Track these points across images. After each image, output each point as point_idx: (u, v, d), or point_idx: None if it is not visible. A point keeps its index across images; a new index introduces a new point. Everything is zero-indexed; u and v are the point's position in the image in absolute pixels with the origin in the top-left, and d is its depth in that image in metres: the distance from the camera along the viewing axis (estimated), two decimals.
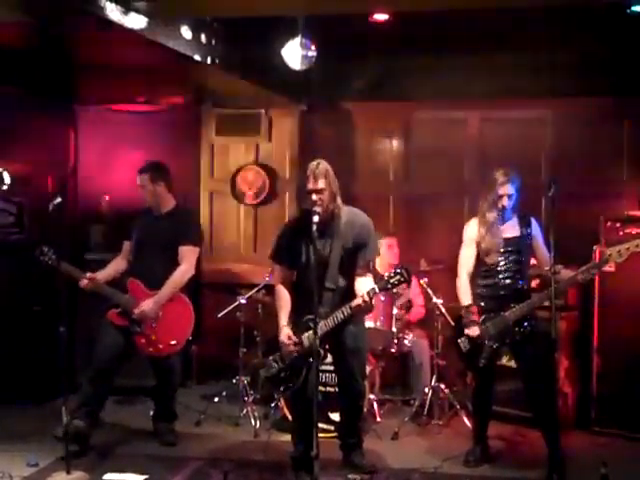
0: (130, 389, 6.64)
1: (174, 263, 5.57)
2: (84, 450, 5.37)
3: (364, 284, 4.83)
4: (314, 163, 4.84)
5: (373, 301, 4.80)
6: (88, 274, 5.54)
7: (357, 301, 4.70)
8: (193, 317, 5.64)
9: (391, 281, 4.64)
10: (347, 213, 4.94)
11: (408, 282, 4.77)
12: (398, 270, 4.65)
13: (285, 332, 4.89)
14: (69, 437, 4.96)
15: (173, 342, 5.56)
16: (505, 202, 5.10)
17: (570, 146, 7.04)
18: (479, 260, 5.22)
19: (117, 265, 5.79)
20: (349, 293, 4.83)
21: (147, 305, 5.48)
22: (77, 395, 5.50)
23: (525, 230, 5.17)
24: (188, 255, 5.62)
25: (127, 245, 5.79)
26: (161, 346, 5.54)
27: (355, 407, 5.17)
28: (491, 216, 5.15)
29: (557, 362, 5.34)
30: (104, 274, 5.68)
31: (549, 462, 4.95)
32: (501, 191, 5.09)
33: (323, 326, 4.72)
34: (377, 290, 4.69)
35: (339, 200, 4.89)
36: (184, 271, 5.58)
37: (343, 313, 4.76)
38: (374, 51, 7.07)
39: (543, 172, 6.99)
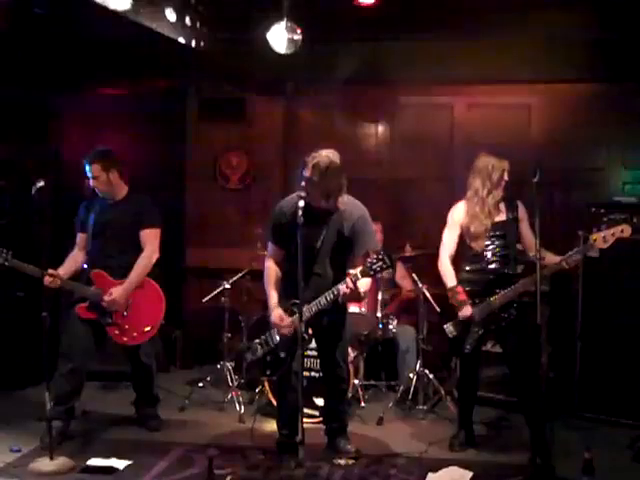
0: (113, 374, 6.63)
1: (136, 249, 5.50)
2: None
3: None
4: (325, 158, 4.73)
5: (363, 290, 4.75)
6: (50, 271, 5.32)
7: (341, 286, 4.65)
8: (164, 301, 5.57)
9: (373, 267, 4.55)
10: (346, 202, 4.88)
11: (391, 268, 4.72)
12: (380, 256, 4.54)
13: (277, 312, 4.87)
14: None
15: (147, 329, 5.51)
16: (507, 176, 5.15)
17: (555, 132, 7.06)
18: (465, 245, 5.22)
19: (76, 258, 5.66)
20: (338, 280, 4.75)
21: (117, 292, 5.39)
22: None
23: (512, 214, 5.18)
24: (151, 238, 5.54)
25: (82, 237, 5.66)
26: (135, 334, 5.48)
27: (339, 391, 5.19)
28: (497, 194, 5.14)
29: (542, 347, 5.35)
30: (65, 269, 5.53)
31: (533, 447, 4.95)
32: (506, 166, 5.15)
33: (307, 311, 4.69)
34: (359, 276, 4.59)
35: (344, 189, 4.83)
36: (149, 255, 5.51)
37: (326, 298, 4.73)
38: (359, 35, 7.01)
39: (528, 158, 6.98)
